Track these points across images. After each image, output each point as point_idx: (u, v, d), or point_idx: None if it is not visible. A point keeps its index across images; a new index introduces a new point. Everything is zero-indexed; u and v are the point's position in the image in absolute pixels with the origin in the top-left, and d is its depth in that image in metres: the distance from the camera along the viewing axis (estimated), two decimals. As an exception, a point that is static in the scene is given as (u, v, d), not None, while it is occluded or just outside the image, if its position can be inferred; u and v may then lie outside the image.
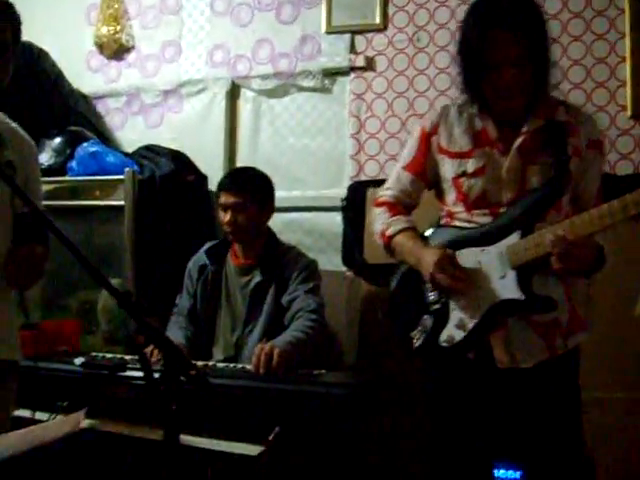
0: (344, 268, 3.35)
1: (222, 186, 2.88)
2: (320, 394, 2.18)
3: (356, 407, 2.22)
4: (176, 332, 2.81)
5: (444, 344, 2.02)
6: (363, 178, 3.44)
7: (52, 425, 1.27)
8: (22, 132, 2.18)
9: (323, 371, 2.43)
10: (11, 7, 2.00)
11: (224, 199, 2.83)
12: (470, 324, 1.99)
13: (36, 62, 3.72)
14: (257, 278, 2.81)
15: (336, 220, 3.46)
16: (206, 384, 1.46)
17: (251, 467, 2.12)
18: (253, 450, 2.11)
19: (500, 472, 2.07)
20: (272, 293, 2.78)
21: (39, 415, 2.33)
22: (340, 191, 3.45)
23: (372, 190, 3.25)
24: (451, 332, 2.01)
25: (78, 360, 2.58)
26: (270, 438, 2.09)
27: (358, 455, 2.35)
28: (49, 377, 2.50)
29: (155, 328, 1.50)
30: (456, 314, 2.02)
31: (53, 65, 3.85)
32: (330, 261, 3.39)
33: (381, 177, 3.40)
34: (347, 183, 3.45)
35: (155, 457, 2.26)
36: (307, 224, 3.57)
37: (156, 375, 1.39)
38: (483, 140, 2.04)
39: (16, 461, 1.16)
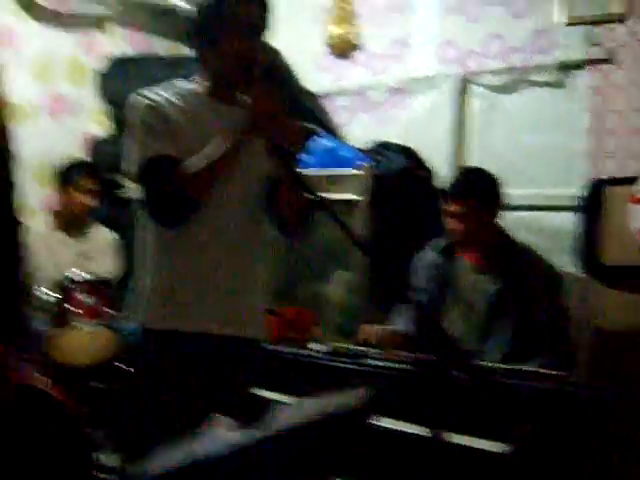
0: (572, 269, 3.22)
1: (448, 193, 2.75)
2: (573, 395, 2.11)
3: (609, 412, 2.12)
4: (406, 322, 2.75)
5: None
6: (600, 176, 3.29)
7: (338, 398, 1.30)
8: None
9: (564, 373, 2.35)
10: None
11: (451, 207, 2.71)
12: None
13: (268, 57, 3.88)
14: (496, 283, 2.68)
15: (566, 220, 3.34)
16: (486, 379, 1.43)
17: (498, 464, 2.09)
18: (499, 447, 2.08)
19: None
20: (516, 305, 2.63)
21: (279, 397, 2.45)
22: (572, 190, 3.32)
23: (610, 189, 3.12)
24: None
25: (321, 347, 2.65)
26: (520, 436, 2.05)
27: (607, 463, 2.25)
28: (292, 361, 2.62)
29: (432, 318, 1.51)
30: None
31: (284, 61, 4.01)
32: (558, 262, 3.26)
33: (619, 175, 3.26)
34: (580, 181, 3.30)
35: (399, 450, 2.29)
36: (535, 223, 3.45)
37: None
38: None
39: (310, 426, 1.20)
